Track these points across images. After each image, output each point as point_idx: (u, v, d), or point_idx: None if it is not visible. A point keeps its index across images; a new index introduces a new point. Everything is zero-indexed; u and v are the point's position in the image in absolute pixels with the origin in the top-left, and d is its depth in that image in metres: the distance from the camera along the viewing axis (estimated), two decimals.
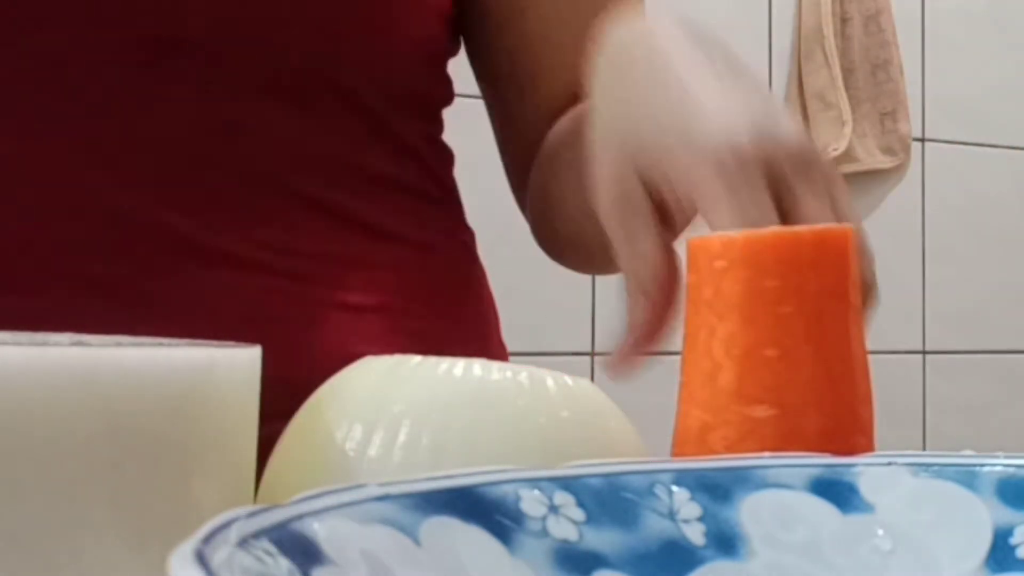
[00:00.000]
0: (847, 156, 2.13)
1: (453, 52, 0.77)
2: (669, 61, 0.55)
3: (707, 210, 0.49)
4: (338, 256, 0.68)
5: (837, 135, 2.13)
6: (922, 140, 2.26)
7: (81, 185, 0.62)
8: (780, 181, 0.49)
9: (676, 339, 0.45)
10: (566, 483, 0.30)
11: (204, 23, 0.63)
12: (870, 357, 0.43)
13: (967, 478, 0.32)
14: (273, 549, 0.22)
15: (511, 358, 0.74)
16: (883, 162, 2.20)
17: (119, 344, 0.31)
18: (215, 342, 0.33)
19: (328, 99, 0.68)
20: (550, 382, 0.38)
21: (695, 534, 0.30)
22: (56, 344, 0.30)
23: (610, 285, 2.21)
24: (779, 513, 0.31)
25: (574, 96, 0.73)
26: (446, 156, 0.77)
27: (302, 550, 0.23)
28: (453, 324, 0.73)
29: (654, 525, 0.30)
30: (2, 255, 0.61)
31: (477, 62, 0.79)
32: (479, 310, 0.77)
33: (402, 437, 0.36)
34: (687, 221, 0.54)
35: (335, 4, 0.66)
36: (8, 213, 0.61)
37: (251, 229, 0.65)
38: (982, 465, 0.33)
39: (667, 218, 0.54)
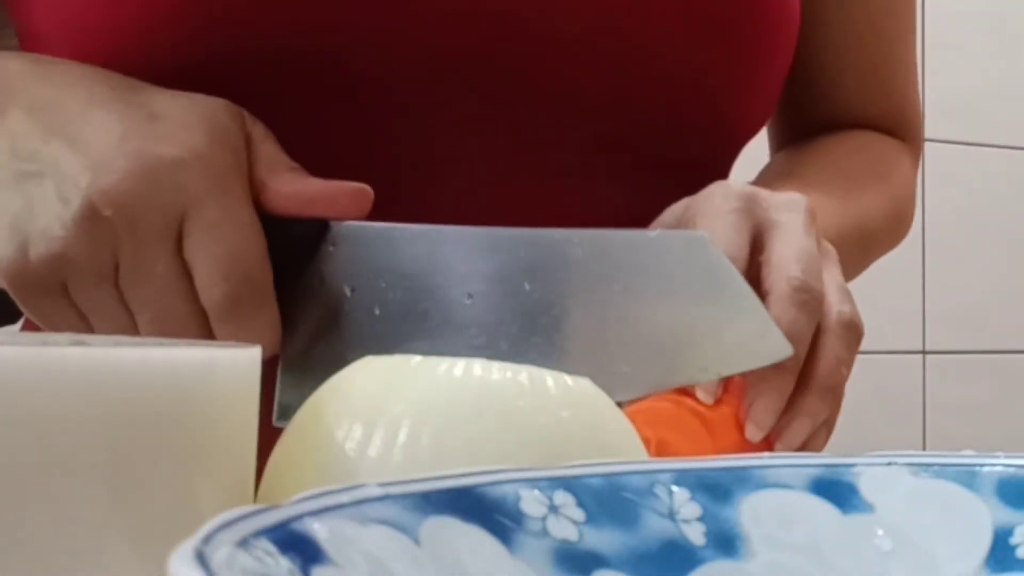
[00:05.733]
0: None
1: None
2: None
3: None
4: None
5: None
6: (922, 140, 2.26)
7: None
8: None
9: None
10: (566, 483, 0.30)
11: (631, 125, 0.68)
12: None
13: (967, 478, 0.32)
14: (273, 549, 0.22)
15: None
16: None
17: (119, 344, 0.31)
18: (215, 342, 0.33)
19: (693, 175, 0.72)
20: (550, 382, 0.38)
21: (695, 534, 0.30)
22: (55, 344, 0.30)
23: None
24: (779, 513, 0.31)
25: (834, 120, 0.81)
26: None
27: (302, 550, 0.23)
28: None
29: (654, 525, 0.30)
30: None
31: None
32: None
33: (402, 437, 0.36)
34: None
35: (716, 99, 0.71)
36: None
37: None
38: (982, 465, 0.33)
39: None
